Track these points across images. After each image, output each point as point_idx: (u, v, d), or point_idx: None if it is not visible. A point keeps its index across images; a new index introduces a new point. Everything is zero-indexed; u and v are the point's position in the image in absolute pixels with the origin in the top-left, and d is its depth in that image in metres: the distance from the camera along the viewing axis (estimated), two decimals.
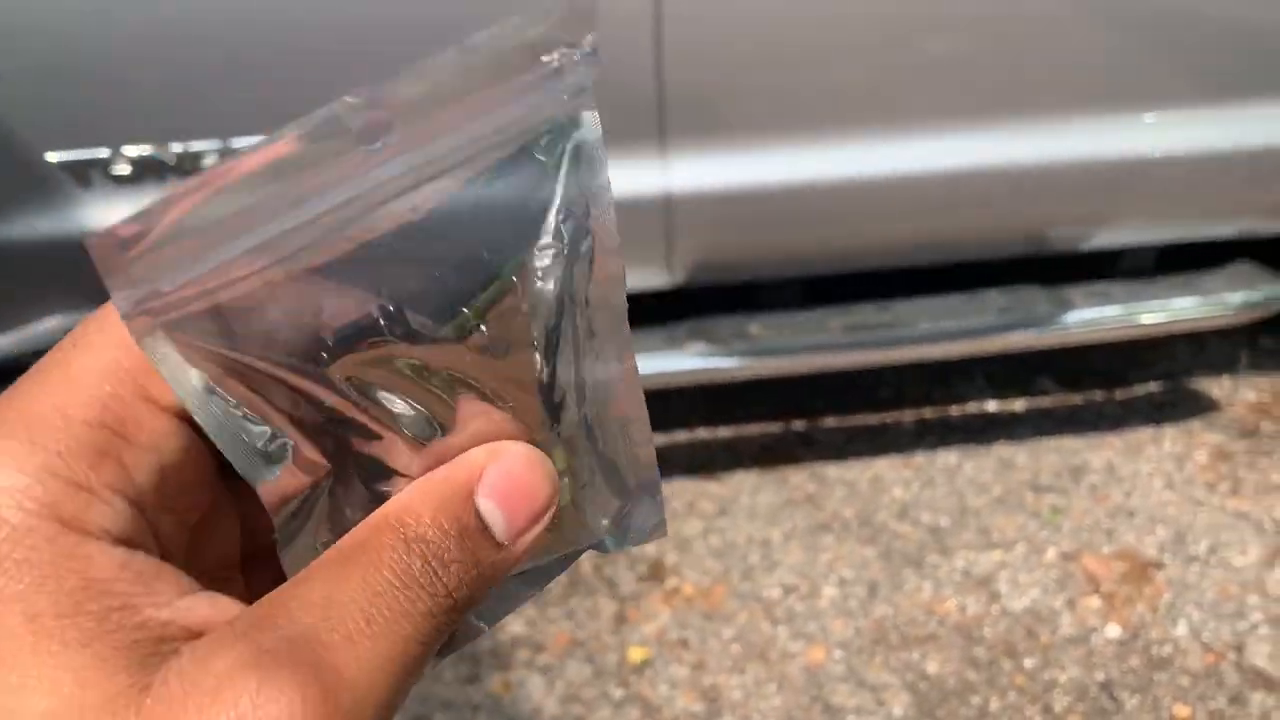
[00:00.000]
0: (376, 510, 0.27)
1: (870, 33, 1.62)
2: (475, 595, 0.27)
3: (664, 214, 1.70)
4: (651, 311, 1.90)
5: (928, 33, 1.65)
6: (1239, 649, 1.74)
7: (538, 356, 0.29)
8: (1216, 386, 2.40)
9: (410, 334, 0.28)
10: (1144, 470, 2.14)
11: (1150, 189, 1.87)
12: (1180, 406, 2.34)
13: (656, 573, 1.94)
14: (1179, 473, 2.14)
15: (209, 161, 1.51)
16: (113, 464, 0.26)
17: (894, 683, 1.71)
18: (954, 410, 2.36)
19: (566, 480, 0.30)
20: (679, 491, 2.14)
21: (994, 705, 1.67)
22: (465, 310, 0.28)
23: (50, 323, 1.65)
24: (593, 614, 1.86)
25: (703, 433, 2.31)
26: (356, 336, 0.27)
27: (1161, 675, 1.70)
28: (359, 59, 1.52)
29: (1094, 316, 1.93)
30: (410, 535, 0.26)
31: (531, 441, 0.29)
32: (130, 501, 0.26)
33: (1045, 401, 2.37)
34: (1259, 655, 1.72)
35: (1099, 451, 2.21)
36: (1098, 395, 2.39)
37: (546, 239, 0.28)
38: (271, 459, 0.28)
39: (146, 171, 1.51)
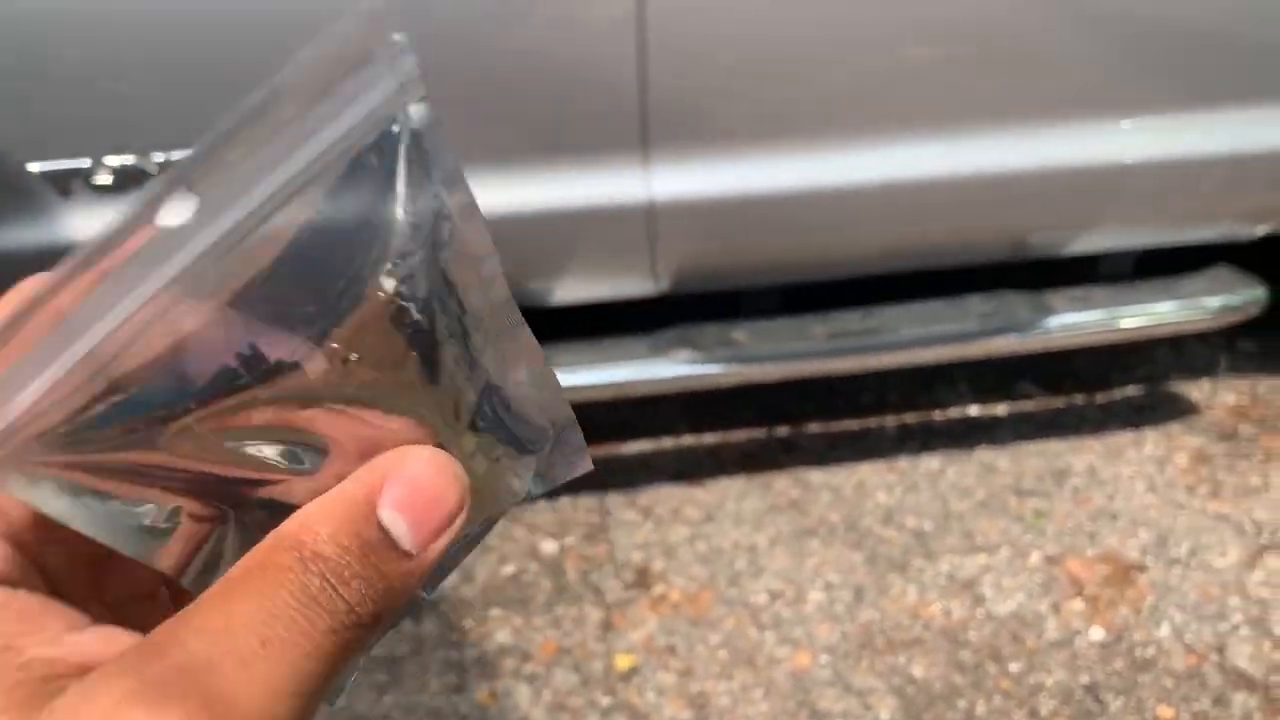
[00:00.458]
0: (274, 530, 0.26)
1: (851, 40, 1.63)
2: (385, 608, 0.26)
3: (647, 222, 1.70)
4: (637, 319, 1.90)
5: (909, 40, 1.66)
6: (1221, 650, 1.75)
7: (416, 357, 0.28)
8: (1196, 390, 2.42)
9: (272, 371, 0.27)
10: (1125, 473, 2.16)
11: (1129, 194, 1.89)
12: (1160, 410, 2.36)
13: (643, 580, 1.94)
14: (1160, 475, 2.15)
15: None
16: None
17: (880, 687, 1.72)
18: (937, 415, 2.37)
19: (478, 460, 0.30)
20: (665, 498, 2.14)
21: (980, 709, 1.68)
22: (327, 337, 0.27)
23: None
24: (579, 622, 1.85)
25: (688, 439, 2.31)
26: (215, 393, 0.27)
27: (1145, 677, 1.71)
28: None
29: (1074, 321, 1.94)
30: (308, 553, 0.25)
31: (435, 441, 0.29)
32: (6, 539, 0.25)
33: (1027, 406, 2.39)
34: (1241, 656, 1.74)
35: (1081, 455, 2.22)
36: (1079, 399, 2.41)
37: (398, 240, 0.28)
38: (163, 532, 0.28)
39: (128, 181, 1.50)
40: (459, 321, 0.29)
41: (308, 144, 0.26)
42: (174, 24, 1.44)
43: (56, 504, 0.26)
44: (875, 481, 2.17)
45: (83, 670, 0.24)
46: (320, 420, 0.28)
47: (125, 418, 0.26)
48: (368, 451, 0.28)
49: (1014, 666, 1.74)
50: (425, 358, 0.29)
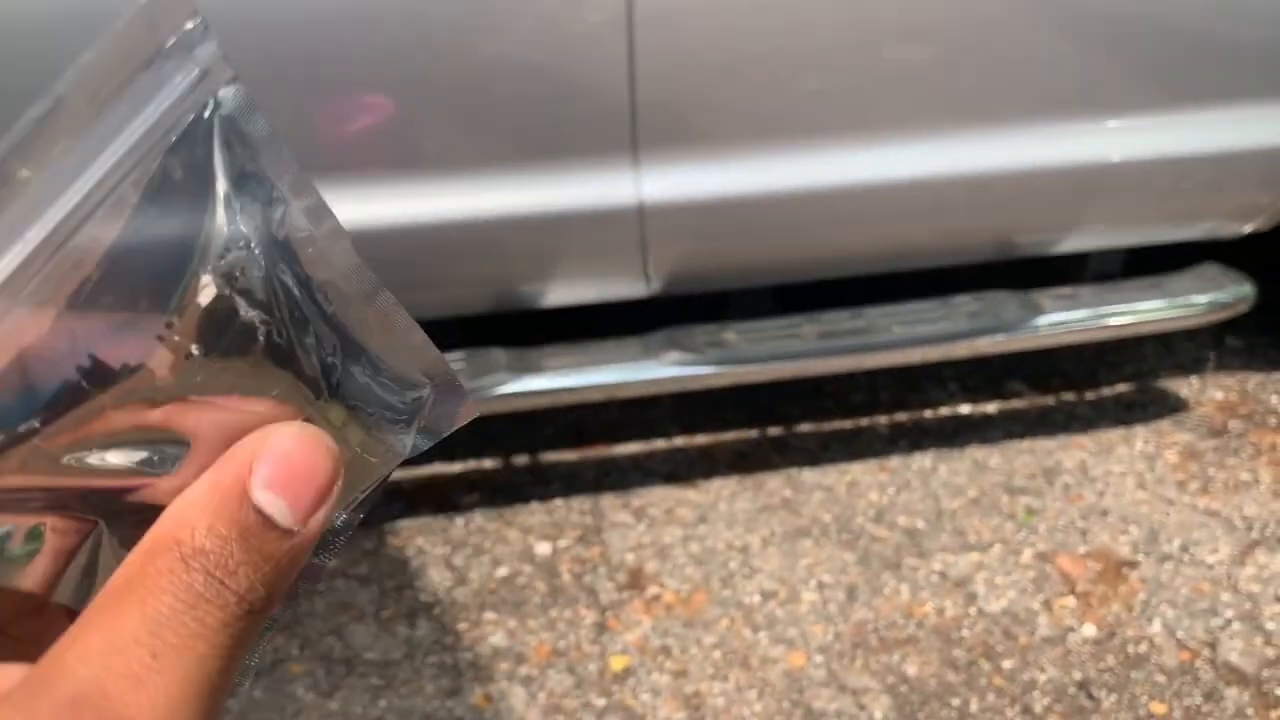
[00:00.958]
0: (147, 533, 0.25)
1: (838, 42, 1.64)
2: (276, 589, 0.25)
3: (638, 224, 1.71)
4: (629, 321, 1.91)
5: (894, 42, 1.67)
6: (1213, 646, 1.76)
7: (261, 341, 0.28)
8: (1185, 387, 2.43)
9: (115, 375, 0.26)
10: (1116, 470, 2.17)
11: (1115, 193, 1.90)
12: (1150, 407, 2.37)
13: (637, 581, 1.94)
14: (1150, 472, 2.16)
15: None
16: None
17: (874, 686, 1.72)
18: (927, 414, 2.38)
19: (352, 429, 0.30)
20: (658, 499, 2.14)
21: (974, 706, 1.68)
22: (167, 330, 0.27)
23: None
24: (573, 624, 1.86)
25: (680, 441, 2.32)
26: (59, 407, 0.26)
27: (1137, 673, 1.72)
28: (330, 71, 1.52)
29: (1063, 319, 1.95)
30: (187, 551, 0.24)
31: (301, 418, 0.28)
32: None
33: (1017, 404, 2.40)
34: (1232, 651, 1.75)
35: (1071, 452, 2.23)
36: (1068, 397, 2.41)
37: (223, 226, 0.27)
38: (25, 554, 0.27)
39: None
40: (308, 297, 0.29)
41: (113, 142, 0.26)
42: None
43: None
44: (867, 481, 2.17)
45: None
46: (176, 416, 0.27)
47: None
48: (231, 439, 0.27)
49: (1007, 664, 1.75)
50: (271, 339, 0.28)
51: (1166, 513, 2.05)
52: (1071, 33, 1.71)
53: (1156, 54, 1.76)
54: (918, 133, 1.75)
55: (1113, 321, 1.96)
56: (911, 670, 1.75)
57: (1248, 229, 2.03)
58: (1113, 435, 2.28)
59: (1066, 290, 2.00)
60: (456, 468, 2.25)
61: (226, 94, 0.27)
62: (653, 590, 1.92)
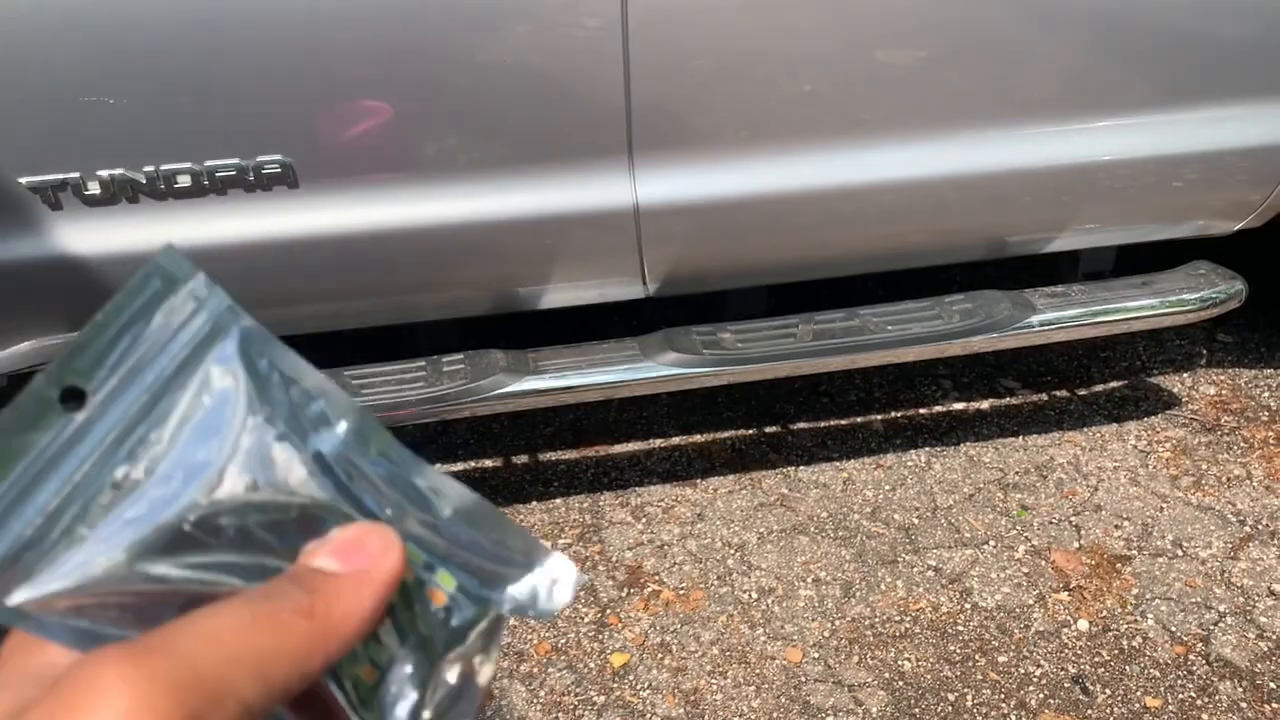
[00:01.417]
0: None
1: (830, 45, 1.66)
2: (326, 613, 0.30)
3: (634, 227, 1.72)
4: (626, 320, 1.92)
5: (885, 45, 1.68)
6: (1206, 640, 1.78)
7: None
8: (1177, 383, 2.45)
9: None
10: (1109, 466, 2.19)
11: (1106, 192, 1.92)
12: (1142, 403, 2.39)
13: (635, 578, 1.96)
14: (1143, 468, 2.18)
15: (182, 182, 1.52)
16: None
17: (871, 681, 1.74)
18: (922, 411, 2.40)
19: (446, 570, 0.33)
20: (656, 498, 2.16)
21: (969, 701, 1.70)
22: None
23: (24, 346, 1.64)
24: (573, 621, 1.87)
25: (678, 439, 2.33)
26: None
27: (1132, 667, 1.74)
28: (329, 77, 1.53)
29: (1055, 317, 1.97)
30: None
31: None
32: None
33: (1010, 401, 2.42)
34: (1226, 646, 1.77)
35: (1064, 448, 2.25)
36: (1061, 394, 2.43)
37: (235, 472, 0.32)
38: None
39: (118, 193, 1.51)
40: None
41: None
42: (162, 37, 1.45)
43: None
44: (863, 478, 2.19)
45: None
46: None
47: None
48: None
49: (1002, 658, 1.77)
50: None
51: (1159, 508, 2.07)
52: (1061, 33, 1.73)
53: (1146, 53, 1.78)
54: (909, 134, 1.76)
55: (1104, 319, 1.98)
56: (907, 665, 1.76)
57: (1238, 226, 2.06)
58: (1105, 431, 2.30)
59: (1058, 288, 2.02)
60: (457, 467, 2.26)
61: (236, 323, 0.32)
62: (651, 587, 1.94)
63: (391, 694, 0.32)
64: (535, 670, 1.78)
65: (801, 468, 2.23)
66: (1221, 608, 1.84)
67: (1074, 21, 1.72)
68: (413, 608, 0.32)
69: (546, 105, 1.61)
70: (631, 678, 1.76)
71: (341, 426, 0.33)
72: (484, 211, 1.65)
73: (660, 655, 1.80)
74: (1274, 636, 1.77)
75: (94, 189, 1.50)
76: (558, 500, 2.16)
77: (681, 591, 1.93)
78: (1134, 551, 1.97)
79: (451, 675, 0.33)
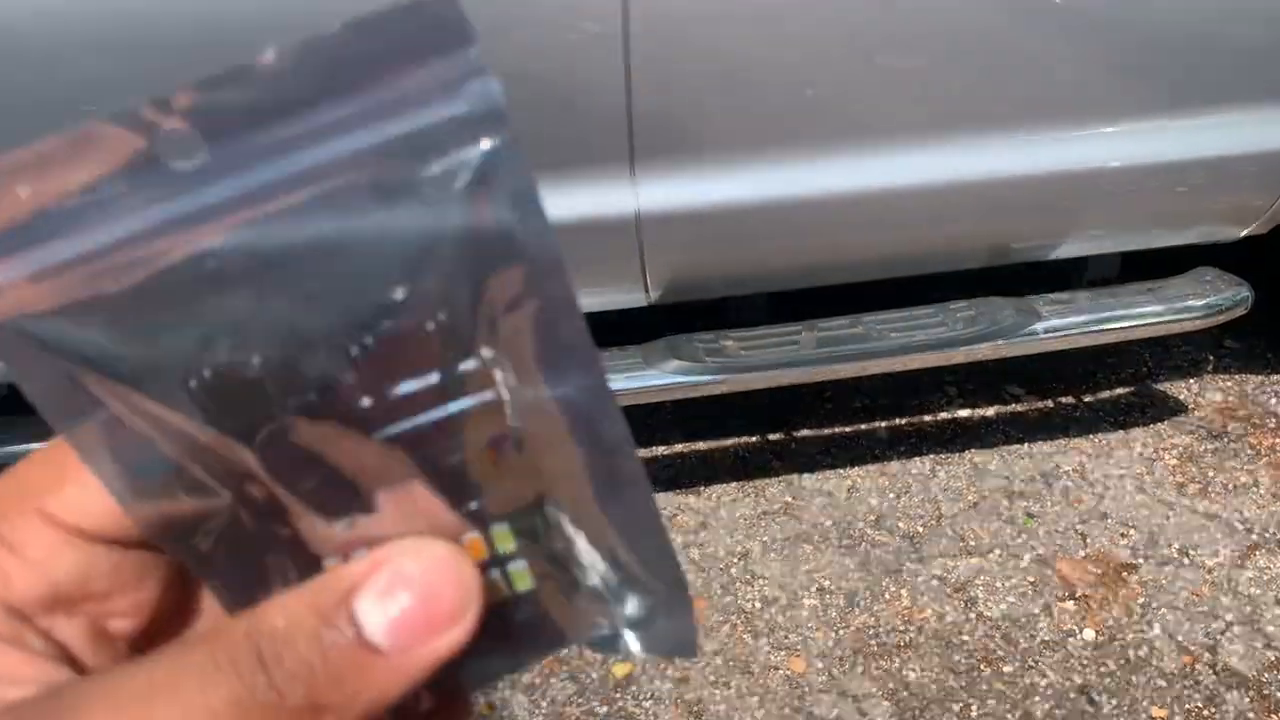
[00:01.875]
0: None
1: (834, 52, 1.65)
2: (331, 702, 0.22)
3: (636, 234, 1.72)
4: (628, 329, 1.91)
5: (888, 51, 1.67)
6: (1213, 649, 1.77)
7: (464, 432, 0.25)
8: (1183, 390, 2.44)
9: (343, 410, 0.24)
10: (1115, 473, 2.18)
11: (1111, 198, 1.91)
12: (1148, 410, 2.38)
13: None
14: (1149, 475, 2.17)
15: None
16: None
17: (875, 691, 1.73)
18: (926, 419, 2.38)
19: (521, 565, 0.26)
20: (660, 505, 2.14)
21: (975, 711, 1.69)
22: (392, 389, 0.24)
23: None
24: None
25: (680, 447, 2.32)
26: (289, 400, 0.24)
27: (1138, 677, 1.73)
28: None
29: (1060, 324, 1.96)
30: (256, 618, 0.23)
31: (458, 519, 0.26)
32: (7, 608, 0.25)
33: (1016, 408, 2.41)
34: (1233, 655, 1.75)
35: (1070, 456, 2.24)
36: (1067, 401, 2.42)
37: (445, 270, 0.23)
38: (155, 488, 0.25)
39: None
40: (531, 400, 0.25)
41: (371, 126, 0.23)
42: (172, 44, 1.44)
43: (50, 407, 0.24)
44: (867, 486, 2.18)
45: None
46: (380, 477, 0.25)
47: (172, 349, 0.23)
48: (390, 522, 0.25)
49: (1007, 668, 1.75)
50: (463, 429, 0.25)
51: (1166, 516, 2.06)
52: (1066, 39, 1.72)
53: (1152, 59, 1.77)
54: (912, 140, 1.75)
55: (1110, 326, 1.97)
56: (912, 675, 1.75)
57: (1244, 233, 2.04)
58: (1111, 439, 2.28)
59: (1063, 295, 2.01)
60: None
61: (504, 138, 0.24)
62: None
63: None
64: (537, 681, 1.77)
65: (805, 475, 2.22)
66: (1228, 617, 1.82)
67: (1079, 27, 1.71)
68: None
69: (547, 112, 1.61)
70: (634, 688, 1.75)
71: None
72: None
73: (663, 665, 1.79)
74: None
75: None
76: None
77: None
78: (1140, 560, 1.95)
79: None
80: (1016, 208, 1.87)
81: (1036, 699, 1.70)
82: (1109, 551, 1.98)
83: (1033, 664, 1.76)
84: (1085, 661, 1.76)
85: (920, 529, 2.06)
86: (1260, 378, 2.45)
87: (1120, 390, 2.45)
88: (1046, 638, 1.80)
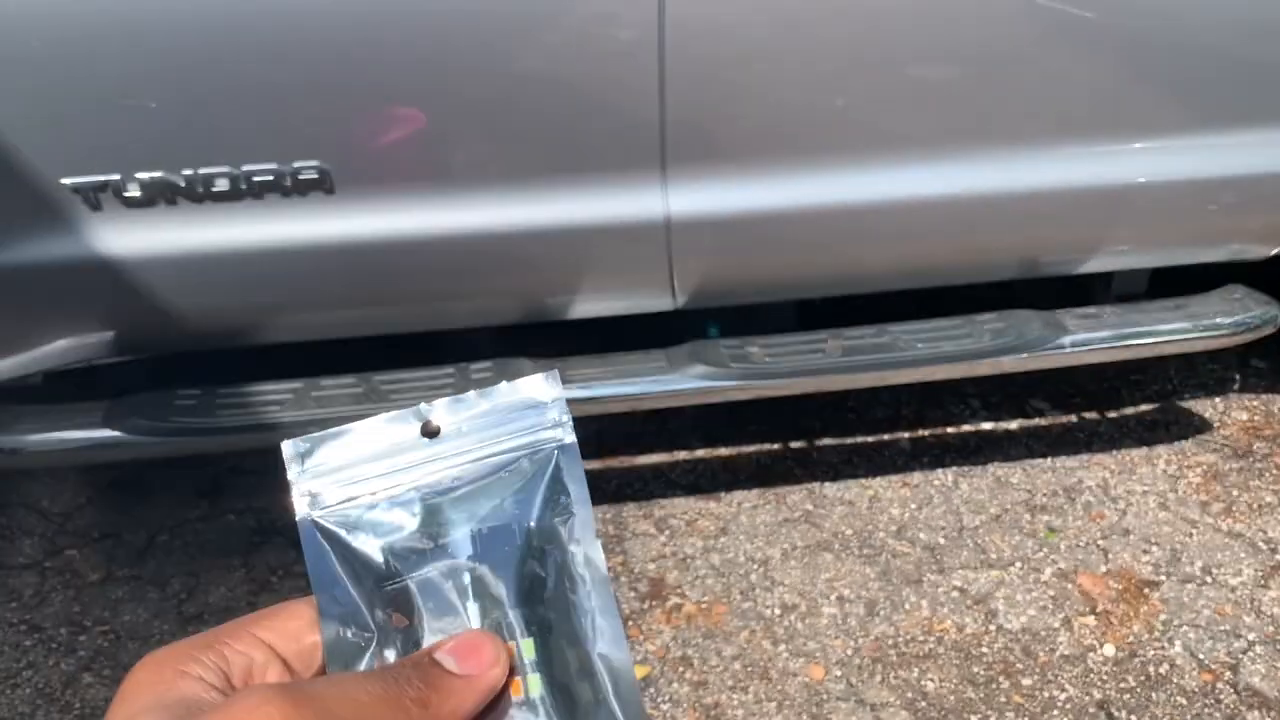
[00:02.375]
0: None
1: (867, 63, 1.65)
2: (435, 703, 0.36)
3: (665, 238, 1.72)
4: (654, 333, 1.92)
5: (922, 62, 1.68)
6: (1234, 668, 1.76)
7: (509, 583, 0.41)
8: (1209, 407, 2.43)
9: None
10: (1138, 490, 2.17)
11: (1141, 214, 1.90)
12: (1173, 427, 2.37)
13: (658, 591, 1.96)
14: (1173, 492, 2.16)
15: (219, 185, 1.53)
16: (214, 654, 0.38)
17: (893, 701, 1.73)
18: (949, 430, 2.38)
19: (537, 676, 0.39)
20: (680, 510, 2.16)
21: None
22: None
23: (59, 344, 1.66)
24: None
25: (703, 452, 2.33)
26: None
27: (1158, 694, 1.72)
28: (365, 86, 1.55)
29: (1086, 339, 1.95)
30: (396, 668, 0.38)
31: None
32: (220, 670, 0.37)
33: (1039, 422, 2.40)
34: (1255, 675, 1.74)
35: (1093, 471, 2.23)
36: (1091, 416, 2.41)
37: (537, 517, 0.41)
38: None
39: (157, 195, 1.53)
40: (555, 575, 0.41)
41: (507, 431, 0.43)
42: (204, 43, 1.46)
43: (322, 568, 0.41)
44: (889, 496, 2.18)
45: None
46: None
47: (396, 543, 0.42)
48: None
49: (1026, 682, 1.75)
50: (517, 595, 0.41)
51: (1189, 534, 2.05)
52: (1099, 54, 1.72)
53: (1184, 76, 1.77)
54: (943, 151, 1.76)
55: (1136, 342, 1.96)
56: (930, 686, 1.75)
57: (1275, 251, 2.03)
58: (1135, 455, 2.28)
59: (1090, 310, 2.01)
60: None
61: (568, 436, 0.42)
62: (673, 600, 1.94)
63: None
64: None
65: (827, 484, 2.22)
66: (1251, 636, 1.82)
67: (1112, 42, 1.71)
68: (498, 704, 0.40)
69: (580, 116, 1.62)
70: (652, 690, 1.76)
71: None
72: (516, 221, 1.66)
73: (681, 668, 1.80)
74: None
75: (133, 191, 1.52)
76: None
77: (704, 605, 1.92)
78: (1162, 577, 1.95)
79: None
80: (1047, 221, 1.87)
81: (1055, 713, 1.70)
82: (1131, 567, 1.97)
83: (1052, 678, 1.76)
84: (1105, 677, 1.75)
85: (941, 540, 2.06)
86: None
87: (1145, 407, 2.44)
88: (1066, 652, 1.80)
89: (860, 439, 2.36)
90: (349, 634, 0.40)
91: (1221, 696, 1.71)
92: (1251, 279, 2.09)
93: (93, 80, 1.45)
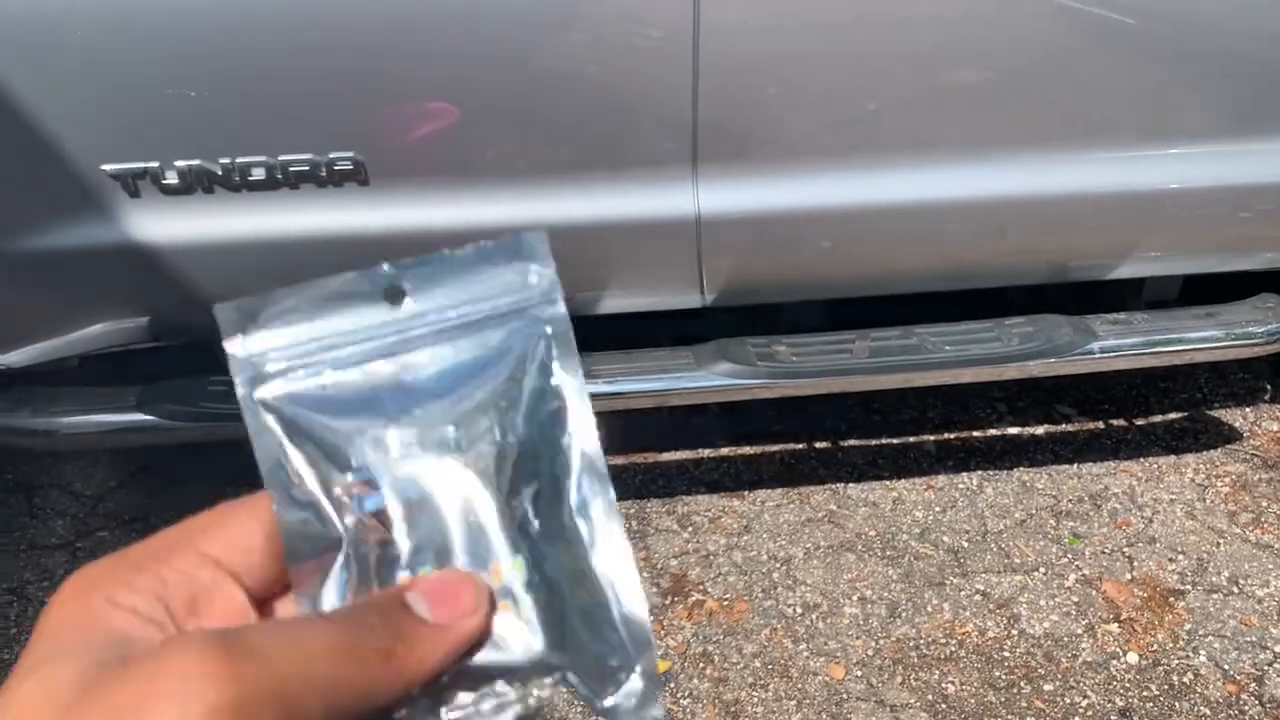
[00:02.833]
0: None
1: (900, 66, 1.65)
2: (401, 654, 0.32)
3: (695, 236, 1.73)
4: (680, 330, 1.93)
5: (956, 66, 1.68)
6: (1260, 680, 1.74)
7: (495, 487, 0.36)
8: (1239, 417, 2.41)
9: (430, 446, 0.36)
10: (1165, 498, 2.15)
11: (1174, 220, 1.89)
12: (1202, 436, 2.35)
13: (679, 587, 1.96)
14: (1200, 502, 2.14)
15: (256, 174, 1.55)
16: (150, 577, 0.33)
17: (913, 703, 1.73)
18: (975, 434, 2.37)
19: (529, 597, 0.35)
20: (703, 507, 2.16)
21: None
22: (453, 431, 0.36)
23: (95, 328, 1.69)
24: None
25: (727, 450, 2.33)
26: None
27: (1181, 704, 1.71)
28: (402, 80, 1.56)
29: (1116, 345, 1.94)
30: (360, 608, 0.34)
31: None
32: (158, 597, 0.33)
33: (1066, 427, 2.39)
34: None
35: (1119, 478, 2.22)
36: (1118, 422, 2.40)
37: (511, 390, 0.36)
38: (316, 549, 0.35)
39: (195, 183, 1.55)
40: (549, 476, 0.36)
41: (489, 298, 0.36)
42: (245, 33, 1.48)
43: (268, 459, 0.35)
44: (913, 498, 2.18)
45: None
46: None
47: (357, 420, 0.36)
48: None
49: (1048, 687, 1.75)
50: (500, 488, 0.36)
51: (1216, 543, 2.03)
52: (1134, 60, 1.71)
53: (1220, 83, 1.75)
54: (975, 154, 1.75)
55: (1166, 349, 1.95)
56: (951, 689, 1.75)
57: None
58: (1163, 463, 2.26)
59: (1121, 316, 1.99)
60: None
61: (559, 309, 0.37)
62: (695, 597, 1.94)
63: None
64: None
65: (851, 485, 2.22)
66: (1277, 648, 1.80)
67: (1148, 48, 1.70)
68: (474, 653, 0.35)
69: (613, 113, 1.63)
70: (672, 685, 1.77)
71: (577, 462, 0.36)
72: (547, 216, 1.67)
73: (702, 665, 1.80)
74: None
75: (171, 178, 1.54)
76: None
77: (726, 602, 1.93)
78: (1188, 586, 1.93)
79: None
80: (1078, 226, 1.86)
81: (1076, 719, 1.69)
82: (1156, 576, 1.96)
83: (1074, 684, 1.75)
84: (1128, 685, 1.75)
85: (965, 544, 2.05)
86: None
87: (1174, 415, 2.42)
88: (1089, 658, 1.79)
89: (885, 441, 2.36)
90: (311, 543, 0.34)
91: (1246, 708, 1.70)
92: None
93: (134, 69, 1.47)
